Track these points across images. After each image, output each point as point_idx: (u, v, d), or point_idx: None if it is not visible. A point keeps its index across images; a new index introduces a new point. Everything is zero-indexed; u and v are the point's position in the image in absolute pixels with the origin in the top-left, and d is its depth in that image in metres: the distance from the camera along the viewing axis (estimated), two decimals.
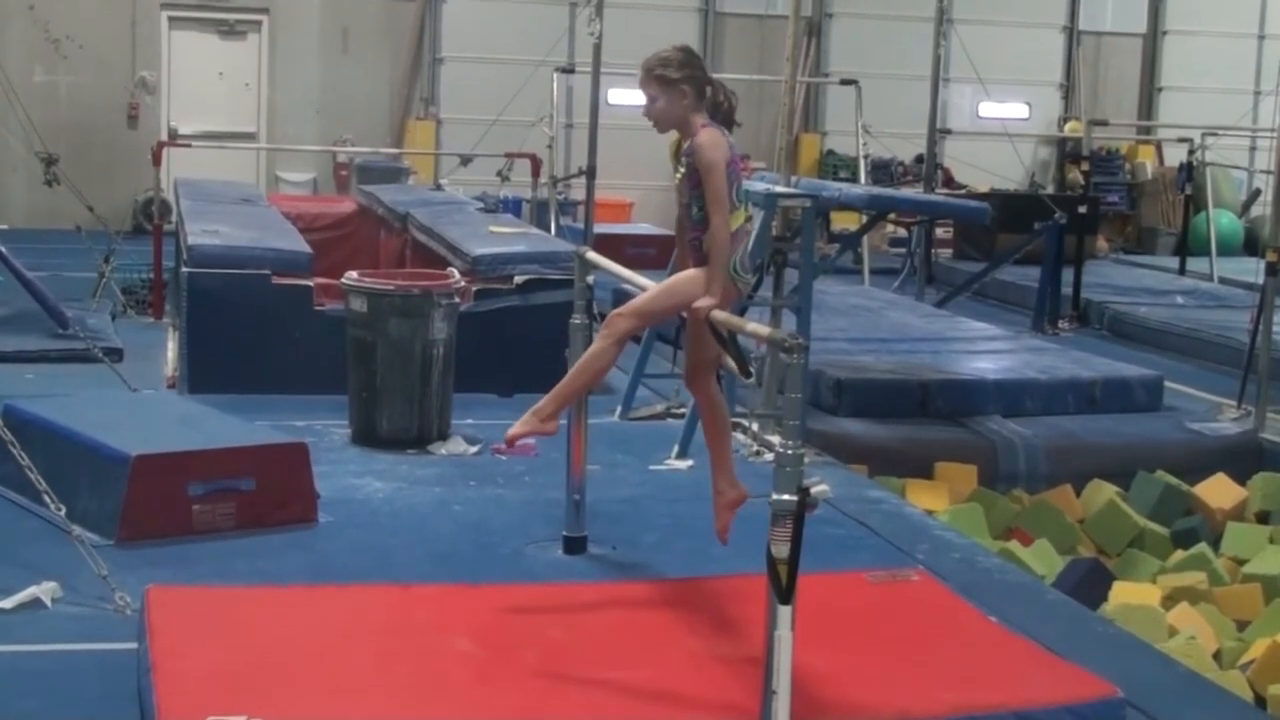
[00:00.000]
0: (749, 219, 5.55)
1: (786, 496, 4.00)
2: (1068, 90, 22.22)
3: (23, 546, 6.17)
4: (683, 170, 5.37)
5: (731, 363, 5.46)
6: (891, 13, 20.45)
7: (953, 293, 14.76)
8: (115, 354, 9.86)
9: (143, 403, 8.09)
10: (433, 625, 5.16)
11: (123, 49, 18.97)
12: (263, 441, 6.89)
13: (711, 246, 5.24)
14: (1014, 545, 8.11)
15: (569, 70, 16.74)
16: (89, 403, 7.62)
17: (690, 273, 5.38)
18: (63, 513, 5.83)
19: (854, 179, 18.21)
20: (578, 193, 16.57)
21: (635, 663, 4.87)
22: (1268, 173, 18.84)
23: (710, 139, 5.27)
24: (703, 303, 5.15)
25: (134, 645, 5.01)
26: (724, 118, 5.40)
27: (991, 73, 17.69)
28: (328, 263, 10.60)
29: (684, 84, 5.31)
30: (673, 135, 5.51)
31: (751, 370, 5.47)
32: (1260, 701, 6.46)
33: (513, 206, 15.82)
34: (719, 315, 5.09)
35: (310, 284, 9.47)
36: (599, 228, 13.47)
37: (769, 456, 7.87)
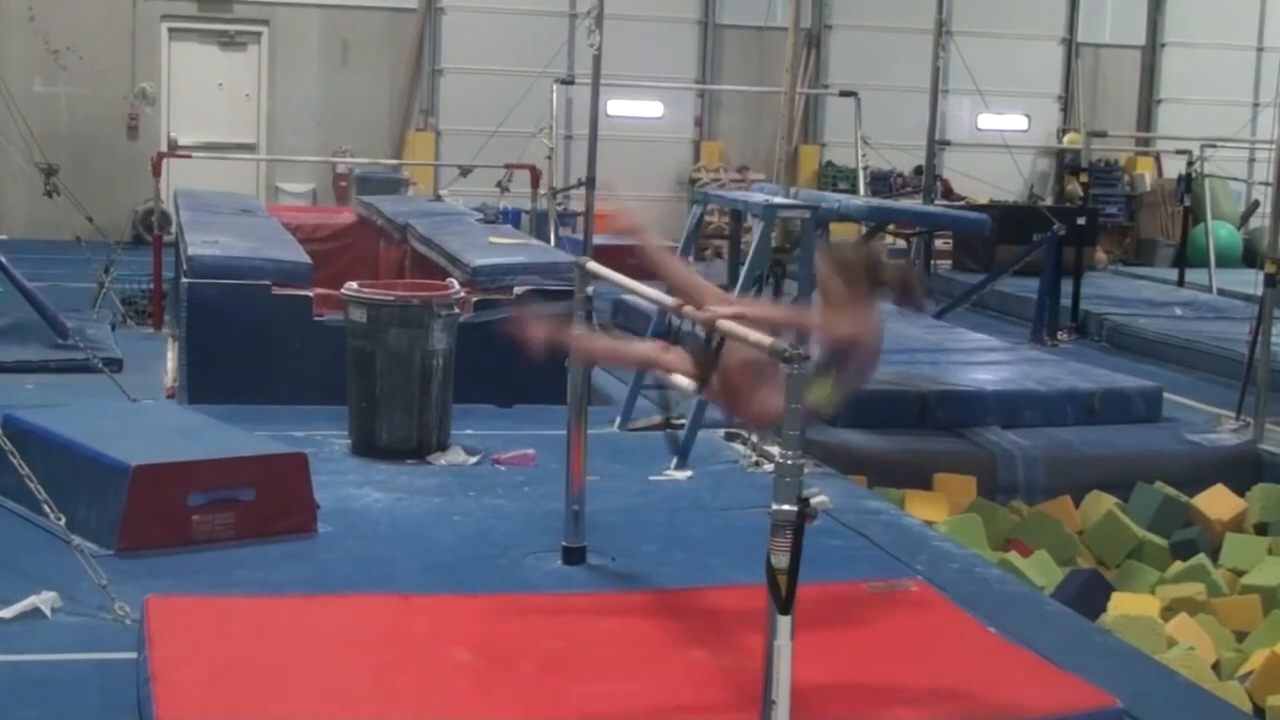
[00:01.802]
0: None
1: (786, 507, 4.01)
2: (1066, 102, 22.24)
3: (22, 556, 6.18)
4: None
5: (686, 377, 5.22)
6: (891, 25, 20.47)
7: (952, 304, 14.76)
8: (115, 364, 9.86)
9: (142, 413, 8.10)
10: (432, 635, 5.16)
11: (123, 60, 18.99)
12: (262, 452, 6.90)
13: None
14: (1013, 556, 8.11)
15: (568, 81, 16.76)
16: (89, 413, 7.61)
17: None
18: (62, 522, 5.83)
19: (853, 190, 18.23)
20: (577, 204, 16.59)
21: (634, 673, 4.87)
22: (1266, 184, 18.86)
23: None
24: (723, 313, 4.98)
25: (134, 655, 5.01)
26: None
27: (990, 85, 17.72)
28: (327, 273, 10.61)
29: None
30: None
31: (705, 387, 5.19)
32: (1259, 712, 6.47)
33: (512, 217, 15.82)
34: (725, 325, 4.98)
35: (310, 294, 9.48)
36: (599, 238, 13.47)
37: (768, 467, 7.88)
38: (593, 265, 6.40)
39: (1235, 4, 22.06)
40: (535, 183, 14.57)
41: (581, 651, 5.07)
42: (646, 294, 5.91)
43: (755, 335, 4.75)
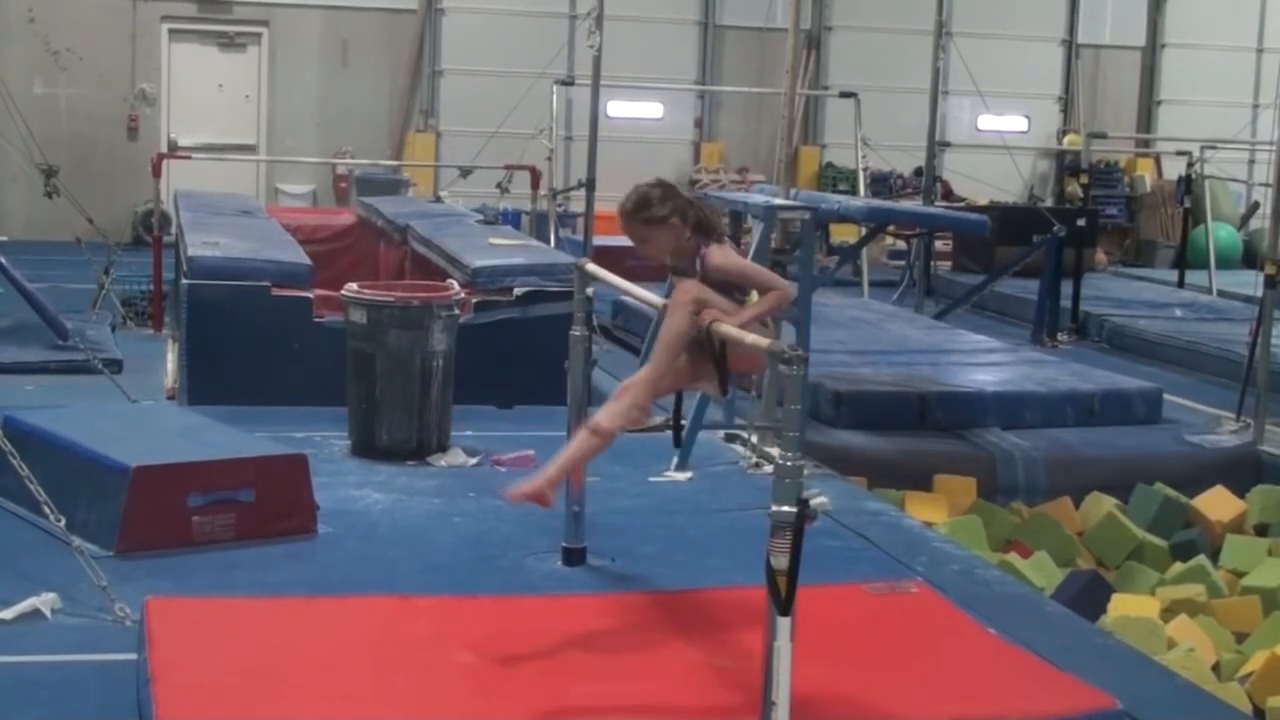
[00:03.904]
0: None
1: (786, 508, 4.00)
2: (1067, 103, 22.25)
3: (22, 557, 6.18)
4: (694, 278, 5.30)
5: (714, 386, 5.40)
6: (891, 26, 20.49)
7: (952, 305, 14.77)
8: (115, 365, 9.86)
9: (142, 414, 8.10)
10: (432, 637, 5.16)
11: (123, 61, 19.00)
12: (262, 453, 6.90)
13: (764, 301, 5.20)
14: (1013, 557, 8.11)
15: (568, 82, 16.75)
16: (89, 414, 7.62)
17: (678, 299, 5.30)
18: (62, 524, 5.82)
19: (853, 191, 18.24)
20: (577, 205, 16.59)
21: (634, 674, 4.87)
22: (1266, 185, 18.86)
23: (724, 255, 5.27)
24: (721, 316, 5.06)
25: (134, 656, 5.01)
26: (711, 231, 5.35)
27: (990, 86, 17.72)
28: (327, 274, 10.61)
29: (671, 218, 5.29)
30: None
31: (729, 391, 5.45)
32: (1259, 714, 6.48)
33: (512, 219, 15.84)
34: (720, 327, 5.05)
35: (310, 296, 9.48)
36: (598, 240, 13.47)
37: (768, 468, 7.87)
38: (592, 267, 6.41)
39: (1235, 5, 22.08)
40: (535, 184, 14.57)
41: (581, 652, 5.06)
42: (645, 296, 5.92)
43: (752, 337, 4.78)
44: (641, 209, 5.28)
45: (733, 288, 5.31)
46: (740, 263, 5.36)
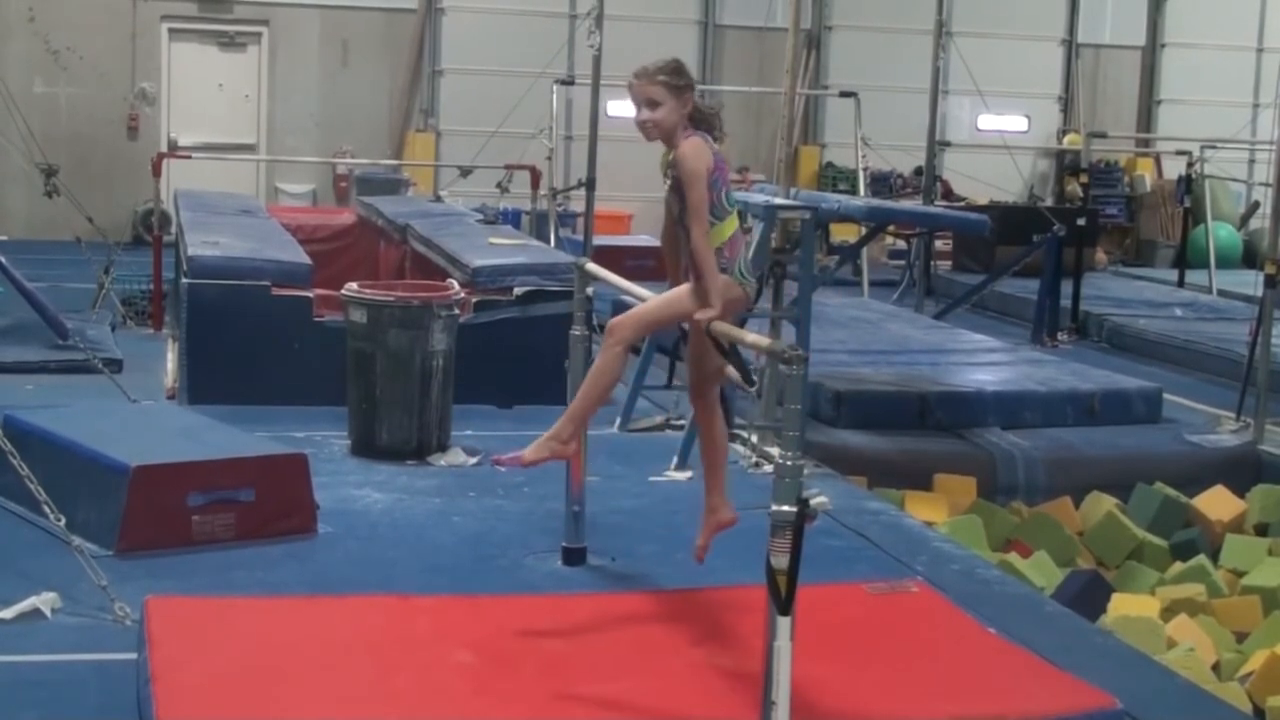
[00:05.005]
0: (745, 225, 5.54)
1: (786, 508, 4.01)
2: (1067, 103, 22.24)
3: (22, 557, 6.17)
4: (669, 182, 5.35)
5: (734, 373, 5.46)
6: (891, 25, 20.48)
7: (952, 305, 14.77)
8: (115, 365, 9.86)
9: (142, 414, 8.10)
10: (432, 636, 5.16)
11: (123, 60, 19.00)
12: (262, 452, 6.90)
13: (695, 259, 5.20)
14: (1013, 557, 8.12)
15: (568, 82, 16.75)
16: (89, 414, 7.61)
17: (690, 286, 5.34)
18: (62, 523, 5.82)
19: (853, 191, 18.23)
20: (577, 204, 16.59)
21: (634, 674, 4.87)
22: (1266, 185, 18.86)
23: (692, 148, 5.22)
24: (703, 315, 5.14)
25: (134, 656, 5.01)
26: (708, 126, 5.36)
27: (990, 85, 17.72)
28: (327, 274, 10.61)
29: (686, 91, 5.31)
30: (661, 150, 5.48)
31: (754, 379, 5.49)
32: (1259, 713, 6.48)
33: (512, 218, 15.84)
34: (719, 327, 5.09)
35: (310, 295, 9.48)
36: (598, 239, 13.49)
37: (768, 468, 7.87)
38: (592, 266, 6.41)
39: (1235, 4, 22.07)
40: (535, 183, 14.56)
41: (581, 652, 5.07)
42: (645, 296, 5.92)
43: (753, 337, 4.81)
44: (664, 70, 5.30)
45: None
46: (693, 169, 5.18)
